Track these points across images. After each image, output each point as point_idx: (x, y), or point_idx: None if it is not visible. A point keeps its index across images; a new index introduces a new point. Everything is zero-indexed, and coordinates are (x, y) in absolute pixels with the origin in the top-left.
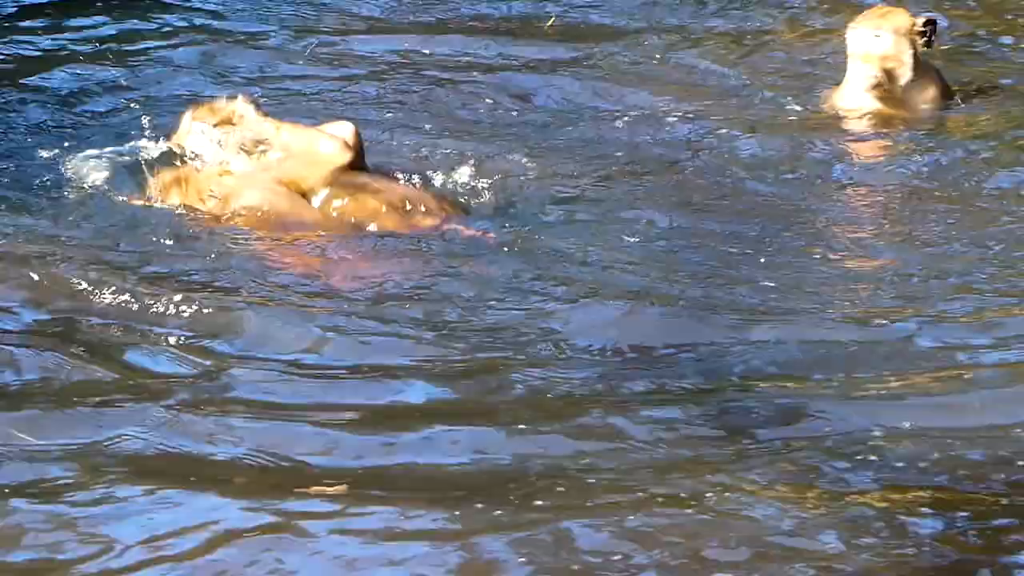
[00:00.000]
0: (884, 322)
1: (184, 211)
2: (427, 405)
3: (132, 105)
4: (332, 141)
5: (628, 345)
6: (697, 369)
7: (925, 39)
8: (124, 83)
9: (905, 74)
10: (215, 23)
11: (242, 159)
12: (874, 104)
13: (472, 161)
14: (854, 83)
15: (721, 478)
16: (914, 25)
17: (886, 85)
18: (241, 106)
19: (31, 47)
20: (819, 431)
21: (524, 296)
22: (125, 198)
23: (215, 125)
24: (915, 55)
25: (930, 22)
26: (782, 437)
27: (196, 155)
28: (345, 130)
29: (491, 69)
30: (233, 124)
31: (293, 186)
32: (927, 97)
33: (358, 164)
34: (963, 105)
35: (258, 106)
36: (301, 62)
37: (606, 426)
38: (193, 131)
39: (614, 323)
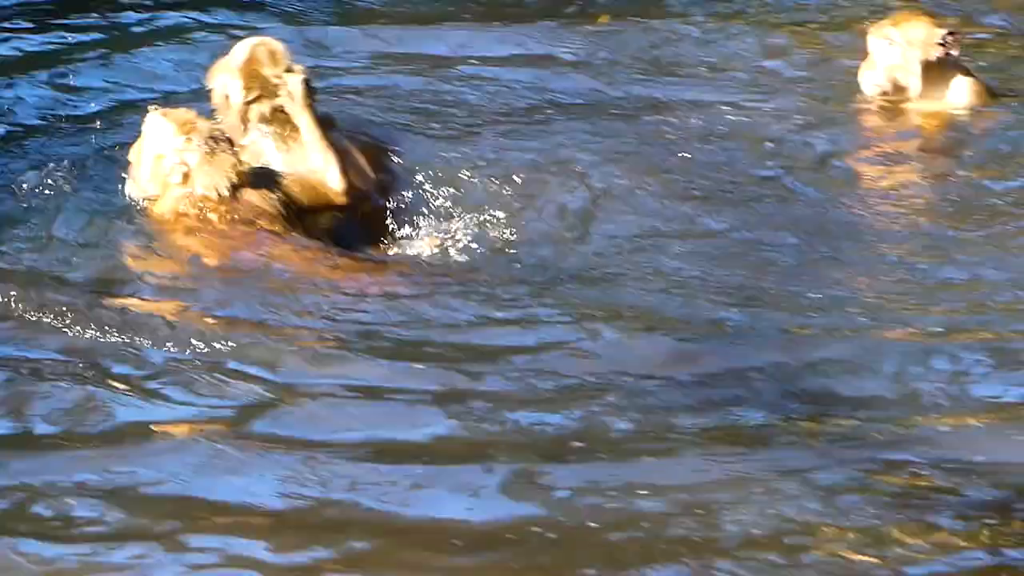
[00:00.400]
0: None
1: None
2: (475, 439)
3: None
4: (342, 180)
5: (679, 372)
6: (763, 398)
7: (943, 51)
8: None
9: (913, 84)
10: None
11: (254, 133)
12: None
13: (503, 165)
14: (863, 87)
15: (795, 514)
16: (931, 36)
17: (891, 93)
18: (295, 83)
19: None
20: (899, 458)
21: (564, 319)
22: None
23: (248, 88)
24: (938, 63)
25: (950, 34)
26: (862, 467)
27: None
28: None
29: (534, 63)
30: (271, 93)
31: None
32: (961, 101)
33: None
34: (1005, 109)
35: (311, 90)
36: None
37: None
38: (220, 87)
39: (666, 351)
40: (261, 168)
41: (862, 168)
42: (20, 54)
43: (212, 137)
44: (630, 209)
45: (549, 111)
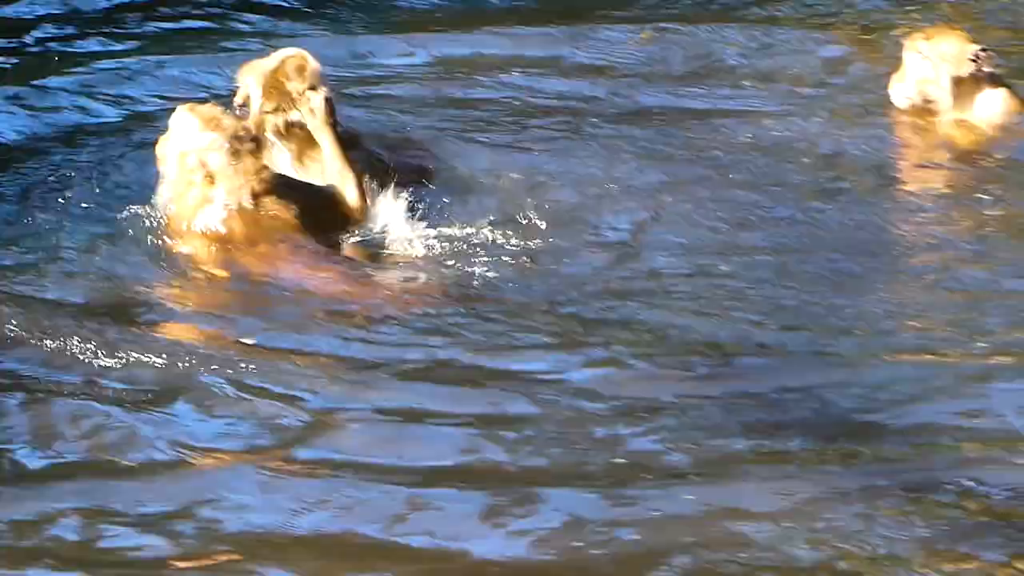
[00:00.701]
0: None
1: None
2: (514, 465)
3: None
4: (359, 198)
5: (721, 394)
6: (807, 420)
7: (975, 66)
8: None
9: (943, 99)
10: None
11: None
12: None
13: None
14: (894, 99)
15: (842, 540)
16: (963, 52)
17: (922, 106)
18: (317, 100)
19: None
20: (948, 483)
21: (598, 340)
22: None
23: (268, 98)
24: (971, 78)
25: (983, 50)
26: (910, 492)
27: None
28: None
29: (577, 71)
30: (289, 106)
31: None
32: (993, 115)
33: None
34: None
35: (332, 108)
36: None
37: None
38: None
39: (706, 373)
40: (283, 176)
41: (893, 183)
42: (66, 61)
43: (237, 137)
44: (666, 225)
45: (593, 119)
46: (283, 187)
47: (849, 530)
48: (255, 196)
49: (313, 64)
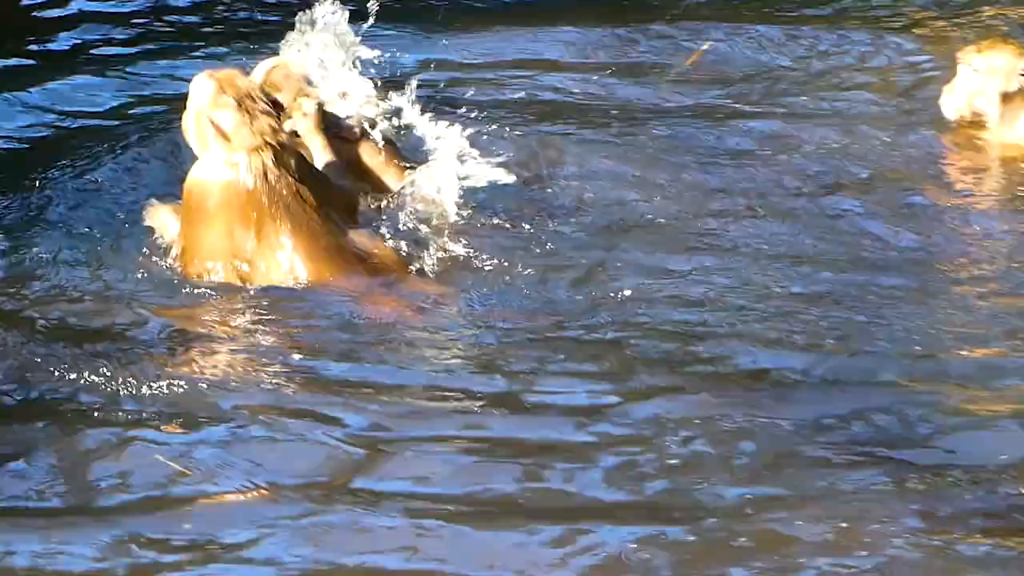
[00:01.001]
0: None
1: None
2: (573, 498)
3: None
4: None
5: (787, 423)
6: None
7: None
8: None
9: (991, 112)
10: None
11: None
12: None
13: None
14: (944, 110)
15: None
16: (1013, 66)
17: (970, 119)
18: (309, 106)
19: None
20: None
21: (645, 366)
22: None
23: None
24: (1020, 94)
25: None
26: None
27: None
28: None
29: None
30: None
31: None
32: None
33: None
34: None
35: (324, 115)
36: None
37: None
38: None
39: (766, 396)
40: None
41: (936, 197)
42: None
43: (250, 96)
44: (711, 246)
45: (638, 119)
46: (296, 157)
47: (912, 560)
48: (279, 163)
49: (297, 71)
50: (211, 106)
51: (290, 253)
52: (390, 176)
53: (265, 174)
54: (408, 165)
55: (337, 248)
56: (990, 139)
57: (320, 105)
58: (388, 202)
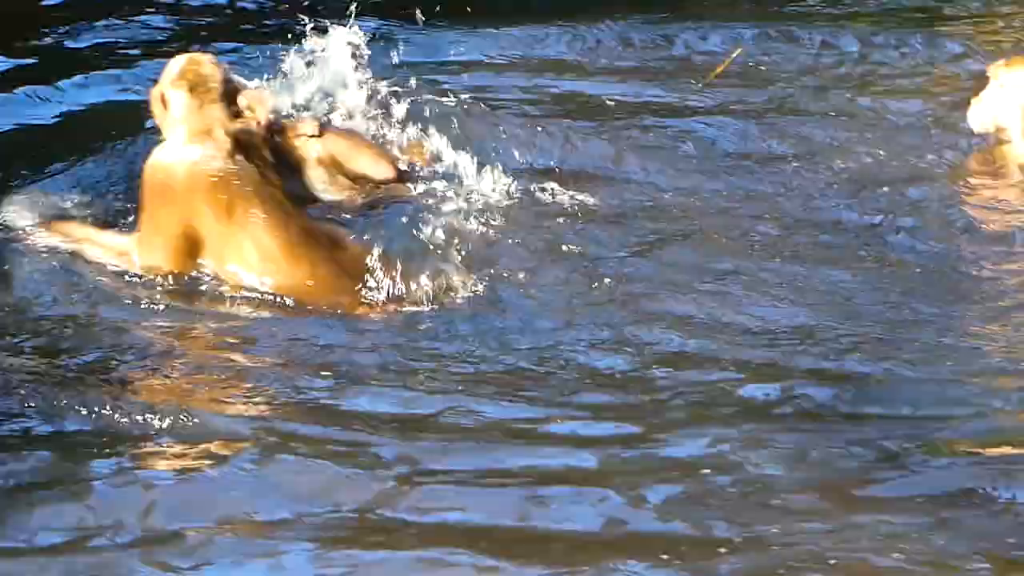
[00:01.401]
0: None
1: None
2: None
3: None
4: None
5: (817, 440)
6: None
7: None
8: None
9: (1013, 128)
10: None
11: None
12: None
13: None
14: (970, 123)
15: None
16: None
17: (994, 133)
18: (310, 126)
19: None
20: None
21: (670, 373)
22: None
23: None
24: None
25: None
26: None
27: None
28: None
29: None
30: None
31: None
32: None
33: None
34: None
35: (322, 127)
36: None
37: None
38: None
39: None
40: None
41: (954, 211)
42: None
43: (202, 81)
44: (735, 253)
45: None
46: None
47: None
48: (242, 148)
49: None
50: (168, 84)
51: (262, 234)
52: (370, 166)
53: (232, 157)
54: (401, 158)
55: (308, 231)
56: (1009, 154)
57: (318, 119)
58: (383, 200)
